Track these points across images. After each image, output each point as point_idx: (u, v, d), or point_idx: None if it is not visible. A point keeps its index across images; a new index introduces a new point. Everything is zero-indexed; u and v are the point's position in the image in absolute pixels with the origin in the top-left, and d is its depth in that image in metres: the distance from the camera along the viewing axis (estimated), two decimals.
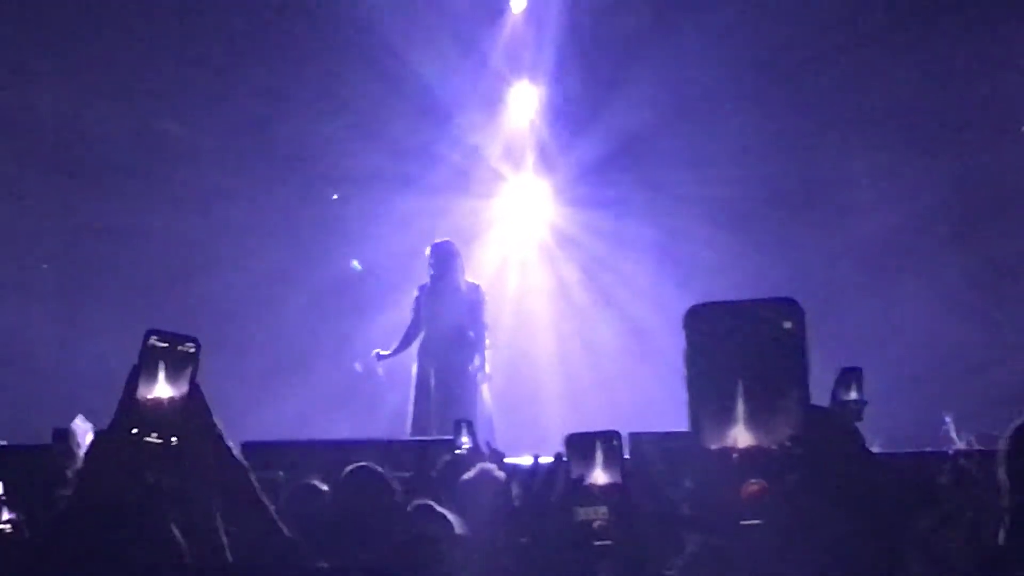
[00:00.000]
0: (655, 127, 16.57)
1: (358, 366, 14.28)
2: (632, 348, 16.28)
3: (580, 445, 2.81)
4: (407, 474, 7.44)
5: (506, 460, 9.28)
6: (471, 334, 13.57)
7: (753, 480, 2.35)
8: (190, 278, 16.05)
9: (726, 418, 2.37)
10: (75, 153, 16.74)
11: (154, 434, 2.77)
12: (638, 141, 16.63)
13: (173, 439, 2.78)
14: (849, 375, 6.87)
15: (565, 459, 2.79)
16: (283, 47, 16.70)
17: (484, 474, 6.62)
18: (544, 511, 2.76)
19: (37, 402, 14.11)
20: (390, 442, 11.31)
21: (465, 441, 8.33)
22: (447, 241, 13.96)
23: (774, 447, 2.34)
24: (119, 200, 16.48)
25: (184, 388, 2.82)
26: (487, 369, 13.72)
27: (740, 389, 2.35)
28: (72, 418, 8.77)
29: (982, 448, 7.48)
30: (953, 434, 12.93)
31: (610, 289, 16.98)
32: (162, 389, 2.80)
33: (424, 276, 13.89)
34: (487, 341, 13.77)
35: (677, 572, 3.05)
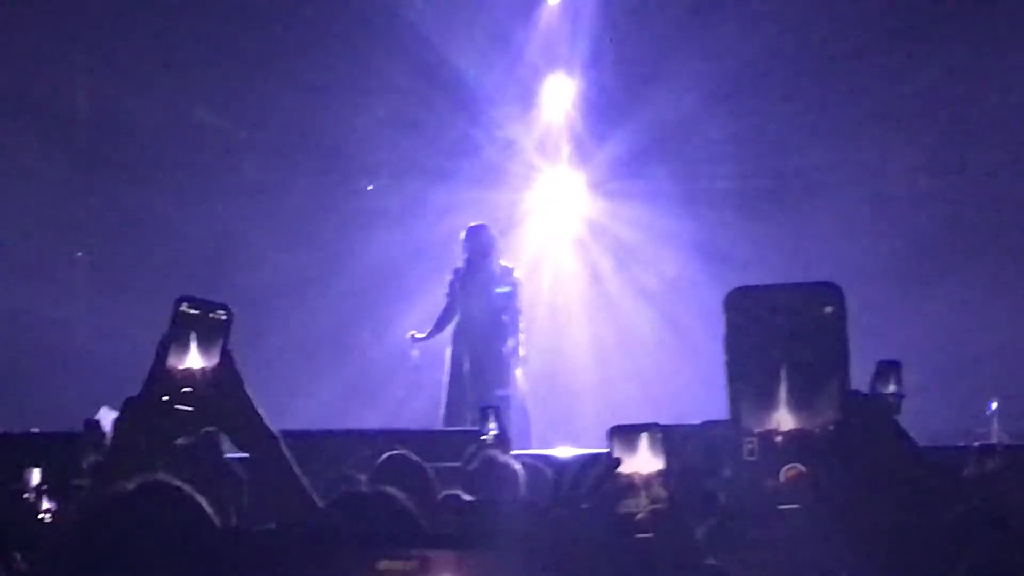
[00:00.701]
0: (691, 119, 16.55)
1: (415, 353, 14.20)
2: (667, 340, 16.26)
3: (623, 437, 2.80)
4: (441, 464, 7.42)
5: (544, 452, 9.27)
6: (505, 318, 13.56)
7: (791, 464, 2.33)
8: (226, 269, 16.07)
9: (768, 402, 2.35)
10: (112, 144, 16.80)
11: (185, 402, 2.75)
12: (674, 133, 16.61)
13: (203, 406, 2.76)
14: (888, 368, 6.83)
15: (608, 450, 2.78)
16: (320, 40, 16.71)
17: (492, 463, 6.58)
18: (585, 503, 2.75)
19: (73, 391, 14.17)
20: (425, 432, 11.35)
21: (492, 427, 8.28)
22: (482, 225, 13.94)
23: (816, 431, 2.32)
24: (156, 191, 16.56)
25: (215, 357, 2.78)
26: (521, 353, 13.71)
27: (783, 373, 2.33)
28: (103, 407, 8.81)
29: (1010, 444, 7.47)
30: (995, 422, 12.90)
31: (645, 281, 16.95)
32: (193, 358, 2.77)
33: (459, 260, 13.87)
34: (521, 325, 13.76)
35: (716, 560, 3.04)
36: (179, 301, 2.81)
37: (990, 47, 15.88)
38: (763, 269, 14.41)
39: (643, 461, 2.75)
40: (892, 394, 6.69)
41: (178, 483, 2.68)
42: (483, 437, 8.19)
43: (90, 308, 16.77)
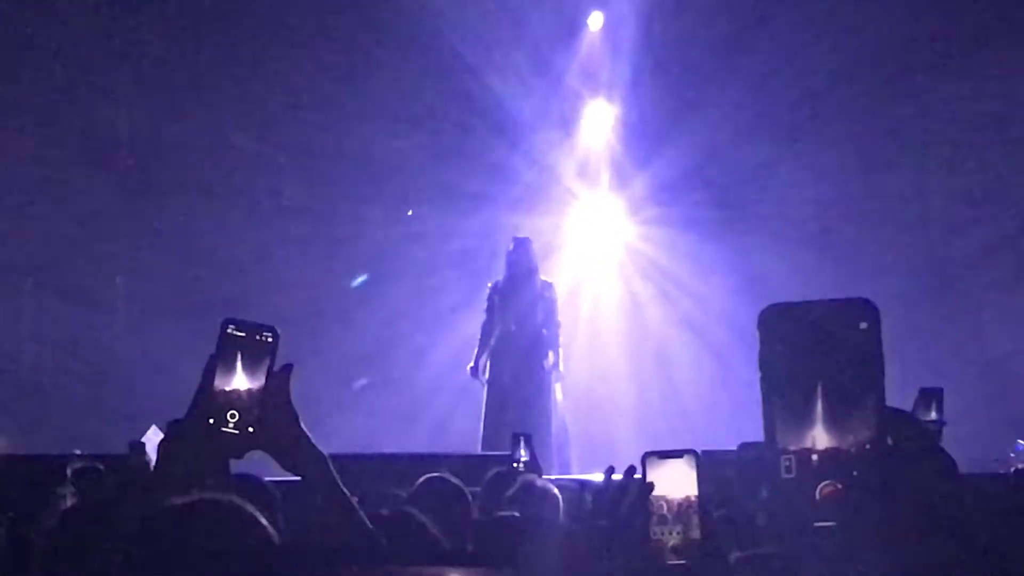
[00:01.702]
0: (729, 145, 16.54)
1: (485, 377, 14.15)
2: (706, 367, 16.23)
3: (656, 463, 2.80)
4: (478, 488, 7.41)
5: (583, 476, 9.25)
6: (545, 332, 13.56)
7: (828, 482, 2.33)
8: (265, 292, 16.13)
9: (804, 420, 2.35)
10: (152, 169, 16.91)
11: (231, 424, 2.77)
12: (712, 159, 16.61)
13: (250, 429, 2.78)
14: (929, 395, 6.83)
15: (640, 476, 2.78)
16: (359, 65, 16.79)
17: (532, 486, 6.58)
18: (617, 528, 2.75)
19: (115, 414, 14.25)
20: (465, 456, 11.34)
21: (523, 455, 8.29)
22: (524, 238, 13.94)
23: (852, 449, 2.32)
24: (196, 215, 16.67)
25: (262, 378, 2.81)
26: (561, 367, 13.71)
27: (819, 390, 2.33)
28: (147, 430, 8.87)
29: None
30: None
31: (683, 306, 16.94)
32: (239, 380, 2.80)
33: (499, 273, 13.87)
34: (560, 339, 13.76)
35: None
36: (225, 323, 2.82)
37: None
38: (800, 294, 14.38)
39: (676, 487, 2.75)
40: (933, 421, 6.68)
41: (235, 500, 2.71)
42: (514, 464, 8.20)
43: (130, 332, 16.86)
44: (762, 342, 2.33)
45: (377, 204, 17.36)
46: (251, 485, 6.37)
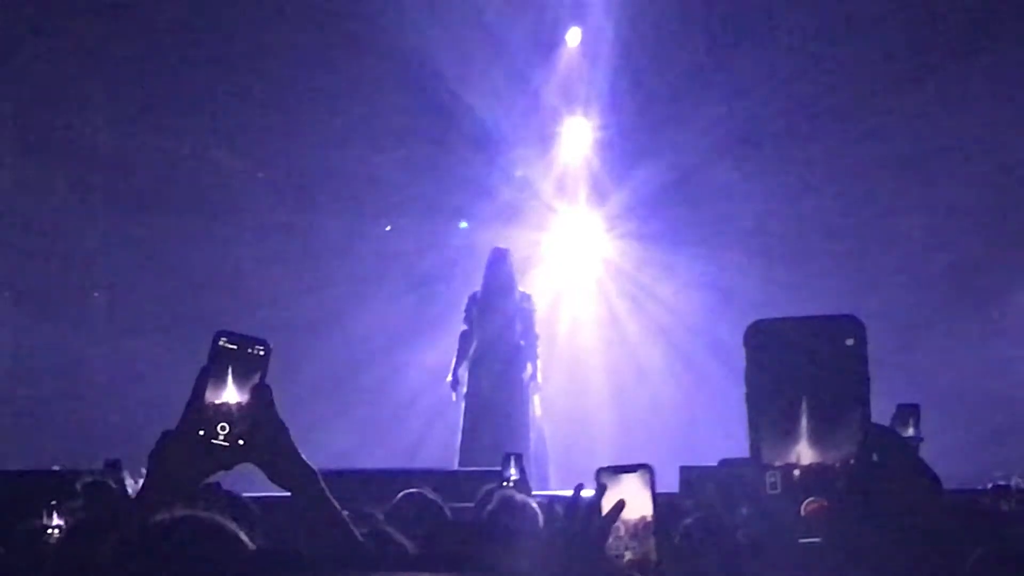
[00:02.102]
0: (707, 161, 16.57)
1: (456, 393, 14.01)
2: (684, 381, 16.25)
3: (610, 478, 2.80)
4: (459, 504, 7.40)
5: (560, 492, 9.24)
6: (523, 343, 13.55)
7: (813, 498, 2.33)
8: (244, 308, 16.10)
9: (789, 436, 2.35)
10: (132, 185, 16.87)
11: (221, 436, 2.77)
12: (690, 175, 16.64)
13: (240, 441, 2.79)
14: (907, 411, 6.85)
15: (596, 490, 2.78)
16: (339, 81, 16.79)
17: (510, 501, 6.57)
18: (575, 544, 2.76)
19: (92, 428, 14.21)
20: (443, 472, 11.33)
21: (513, 473, 8.29)
22: (503, 249, 13.94)
23: (837, 464, 2.32)
24: (174, 231, 16.61)
25: (251, 391, 2.81)
26: (539, 379, 13.71)
27: (804, 406, 2.34)
28: (123, 446, 8.83)
29: None
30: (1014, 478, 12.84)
31: (662, 321, 16.96)
32: (230, 392, 2.80)
33: (477, 285, 13.86)
34: (538, 350, 13.76)
35: None
36: (218, 336, 2.83)
37: (1006, 92, 15.91)
38: (778, 310, 14.40)
39: (630, 504, 2.75)
40: (910, 438, 6.69)
41: (216, 517, 2.72)
42: (503, 483, 8.19)
43: (108, 347, 16.80)
44: (748, 358, 2.33)
45: (356, 219, 17.34)
46: (229, 501, 6.36)
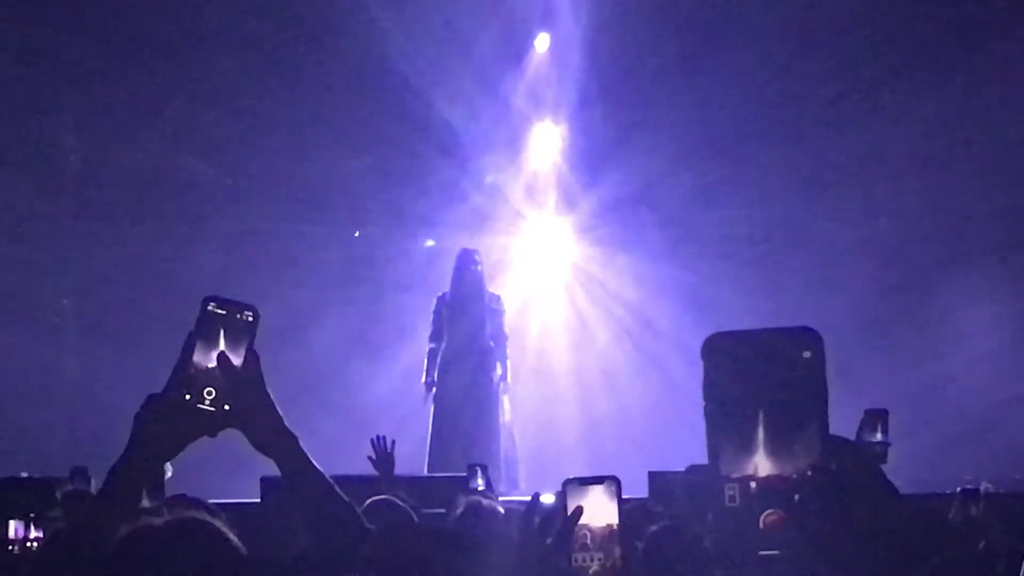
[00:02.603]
0: (676, 166, 16.60)
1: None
2: (654, 386, 16.26)
3: (577, 490, 2.81)
4: (429, 511, 7.41)
5: (524, 498, 9.25)
6: (492, 343, 13.55)
7: (771, 510, 2.35)
8: None
9: (746, 447, 2.37)
10: (99, 191, 16.82)
11: (207, 401, 2.76)
12: (659, 180, 16.66)
13: (226, 407, 2.78)
14: (875, 417, 6.85)
15: (562, 503, 2.79)
16: (309, 88, 16.77)
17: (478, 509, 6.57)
18: (539, 555, 2.77)
19: (58, 435, 14.15)
20: (412, 477, 11.32)
21: (480, 484, 8.29)
22: (471, 249, 13.92)
23: (795, 476, 2.34)
24: (143, 238, 16.57)
25: (240, 357, 2.80)
26: (509, 379, 13.72)
27: (760, 418, 2.35)
28: (90, 453, 8.79)
29: (994, 492, 7.48)
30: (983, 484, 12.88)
31: (631, 327, 16.98)
32: (218, 357, 2.79)
33: (443, 286, 13.83)
34: (508, 351, 13.77)
35: None
36: (207, 300, 2.82)
37: (975, 95, 15.97)
38: (746, 315, 14.46)
39: (597, 514, 2.76)
40: (879, 443, 6.70)
41: (204, 517, 2.72)
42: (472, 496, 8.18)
43: (76, 354, 16.75)
44: (706, 369, 2.35)
45: (325, 226, 17.31)
46: (191, 506, 6.35)
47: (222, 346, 2.79)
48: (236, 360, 2.79)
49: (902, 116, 16.08)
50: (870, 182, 16.74)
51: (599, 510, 2.74)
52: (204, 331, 2.79)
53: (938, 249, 16.32)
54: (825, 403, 2.33)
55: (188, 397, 2.76)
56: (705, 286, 16.25)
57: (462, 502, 7.05)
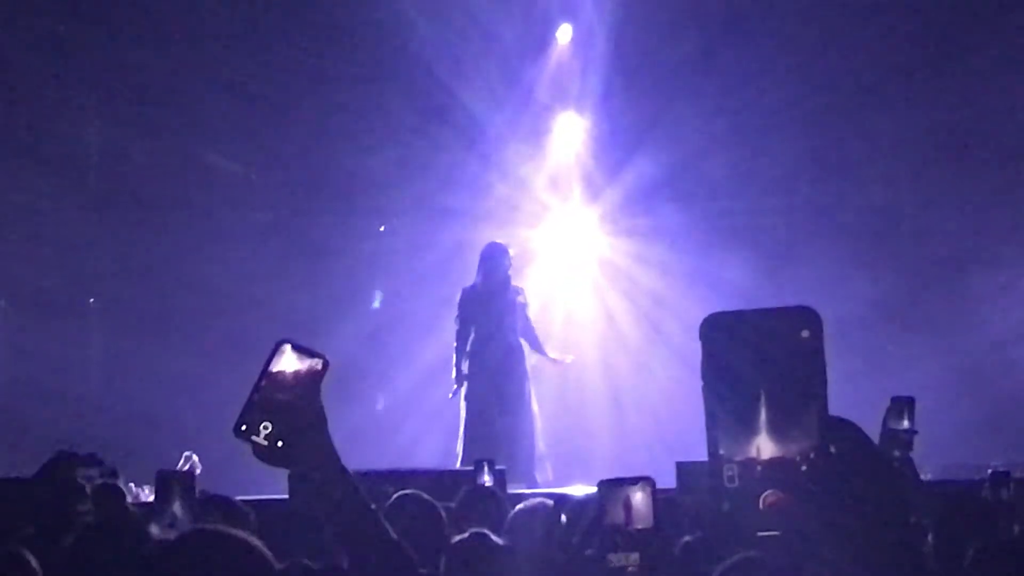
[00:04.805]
0: (700, 156, 16.55)
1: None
2: (681, 378, 16.20)
3: (613, 491, 2.80)
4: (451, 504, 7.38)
5: (558, 491, 9.24)
6: (522, 339, 13.54)
7: (771, 491, 2.33)
8: (238, 310, 16.10)
9: (747, 429, 2.34)
10: (123, 188, 16.86)
11: (263, 435, 2.79)
12: (683, 170, 16.62)
13: (279, 443, 2.82)
14: (901, 404, 6.80)
15: (596, 503, 2.78)
16: (330, 81, 16.79)
17: (541, 507, 6.55)
18: (577, 556, 2.77)
19: (84, 435, 14.16)
20: (438, 471, 11.31)
21: (487, 480, 8.27)
22: (500, 244, 13.86)
23: (797, 458, 2.32)
24: (167, 234, 16.62)
25: (304, 400, 2.85)
26: (554, 354, 13.86)
27: (762, 399, 2.33)
28: (117, 451, 8.81)
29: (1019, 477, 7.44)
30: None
31: (656, 317, 16.93)
32: (282, 395, 2.83)
33: (472, 278, 13.77)
34: (538, 338, 13.80)
35: None
36: (281, 342, 2.88)
37: (994, 82, 15.90)
38: (774, 304, 14.42)
39: (632, 516, 2.75)
40: (905, 431, 6.66)
41: (230, 530, 2.74)
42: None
43: (102, 353, 16.80)
44: (704, 351, 2.33)
45: (350, 219, 17.33)
46: (222, 506, 6.35)
47: (288, 387, 2.85)
48: (299, 403, 2.83)
49: (933, 100, 16.02)
50: (895, 169, 16.68)
51: (635, 511, 2.74)
52: (275, 368, 2.86)
53: (962, 236, 16.26)
54: (824, 383, 2.31)
55: (244, 428, 2.82)
56: (731, 275, 16.18)
57: (462, 491, 7.07)
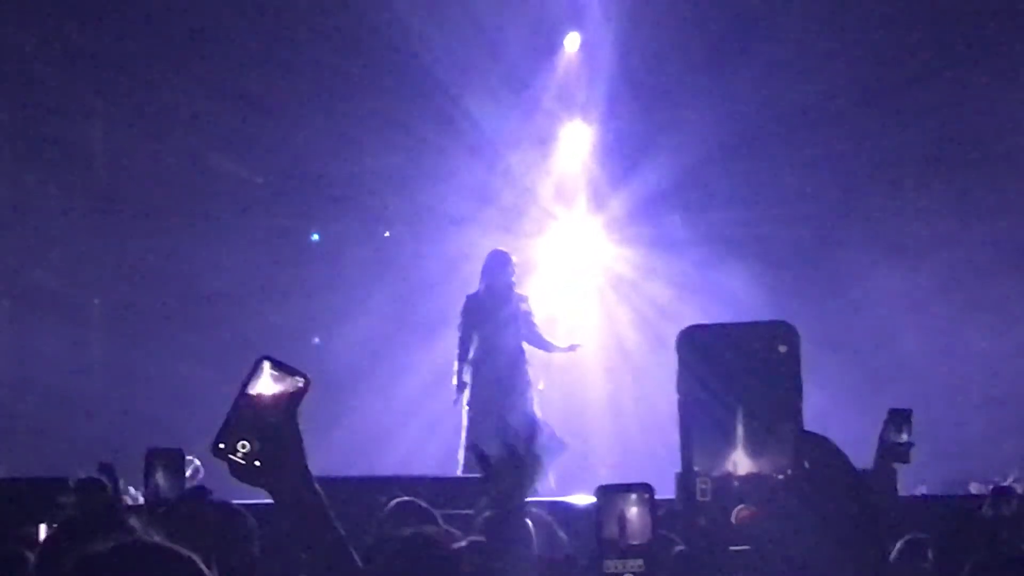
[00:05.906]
0: (707, 165, 16.54)
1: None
2: None
3: (611, 497, 2.79)
4: (452, 511, 7.36)
5: (558, 499, 9.21)
6: (525, 345, 13.52)
7: (743, 506, 2.32)
8: (241, 314, 16.10)
9: (724, 443, 2.33)
10: (129, 191, 16.85)
11: (240, 454, 2.78)
12: (690, 180, 16.60)
13: (257, 463, 2.81)
14: (899, 417, 6.79)
15: (595, 510, 2.77)
16: (337, 87, 16.77)
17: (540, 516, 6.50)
18: (575, 562, 2.76)
19: (87, 436, 14.19)
20: (436, 478, 11.28)
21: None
22: (504, 252, 13.82)
23: (773, 473, 2.31)
24: (172, 237, 16.61)
25: (283, 418, 2.83)
26: (540, 386, 13.76)
27: (739, 414, 2.31)
28: (118, 451, 8.80)
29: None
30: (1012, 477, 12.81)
31: (661, 328, 16.89)
32: (262, 415, 2.81)
33: (475, 286, 13.74)
34: (543, 342, 13.78)
35: None
36: (262, 359, 2.85)
37: (998, 92, 15.90)
38: (777, 316, 14.39)
39: (630, 523, 2.74)
40: (903, 443, 6.64)
41: (160, 542, 2.70)
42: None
43: (106, 354, 16.79)
44: (680, 364, 2.32)
45: (354, 226, 17.32)
46: (225, 512, 6.32)
47: (267, 406, 2.83)
48: (278, 421, 2.81)
49: (938, 108, 15.99)
50: (902, 178, 16.66)
51: (632, 518, 2.73)
52: (254, 387, 2.84)
53: (972, 246, 16.24)
54: (800, 398, 2.29)
55: (222, 446, 2.81)
56: (737, 286, 16.16)
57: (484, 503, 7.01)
